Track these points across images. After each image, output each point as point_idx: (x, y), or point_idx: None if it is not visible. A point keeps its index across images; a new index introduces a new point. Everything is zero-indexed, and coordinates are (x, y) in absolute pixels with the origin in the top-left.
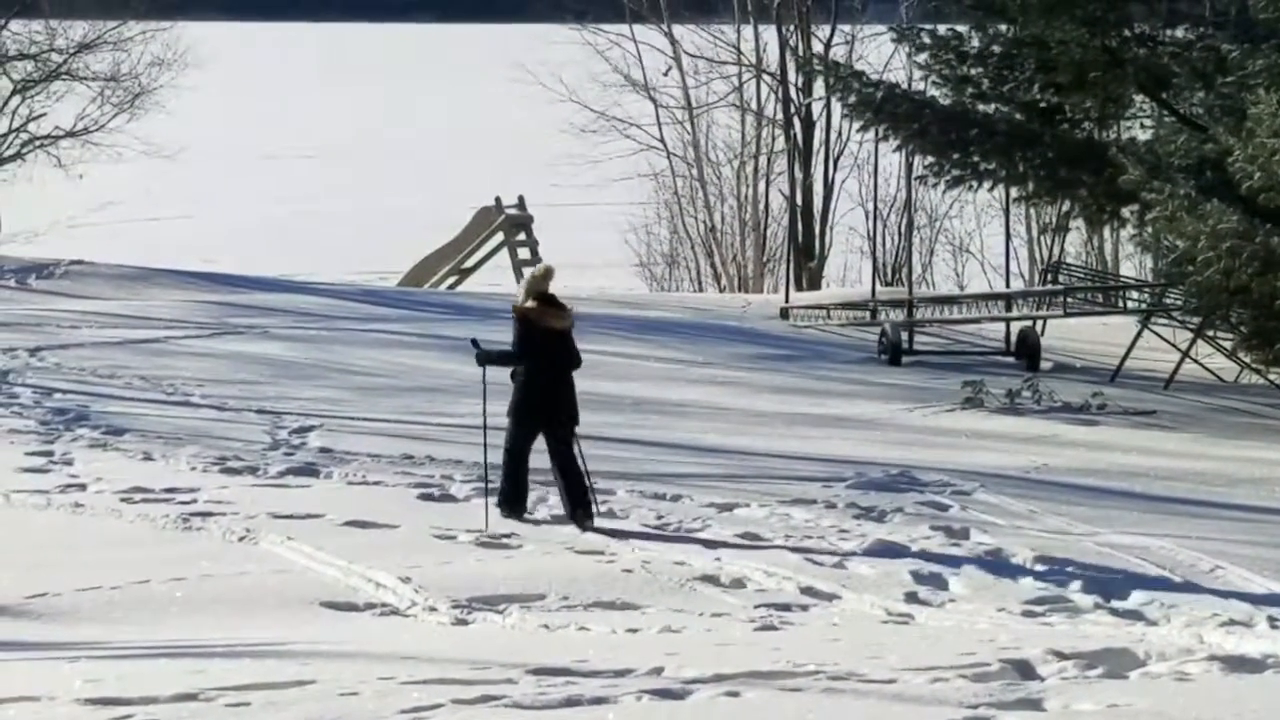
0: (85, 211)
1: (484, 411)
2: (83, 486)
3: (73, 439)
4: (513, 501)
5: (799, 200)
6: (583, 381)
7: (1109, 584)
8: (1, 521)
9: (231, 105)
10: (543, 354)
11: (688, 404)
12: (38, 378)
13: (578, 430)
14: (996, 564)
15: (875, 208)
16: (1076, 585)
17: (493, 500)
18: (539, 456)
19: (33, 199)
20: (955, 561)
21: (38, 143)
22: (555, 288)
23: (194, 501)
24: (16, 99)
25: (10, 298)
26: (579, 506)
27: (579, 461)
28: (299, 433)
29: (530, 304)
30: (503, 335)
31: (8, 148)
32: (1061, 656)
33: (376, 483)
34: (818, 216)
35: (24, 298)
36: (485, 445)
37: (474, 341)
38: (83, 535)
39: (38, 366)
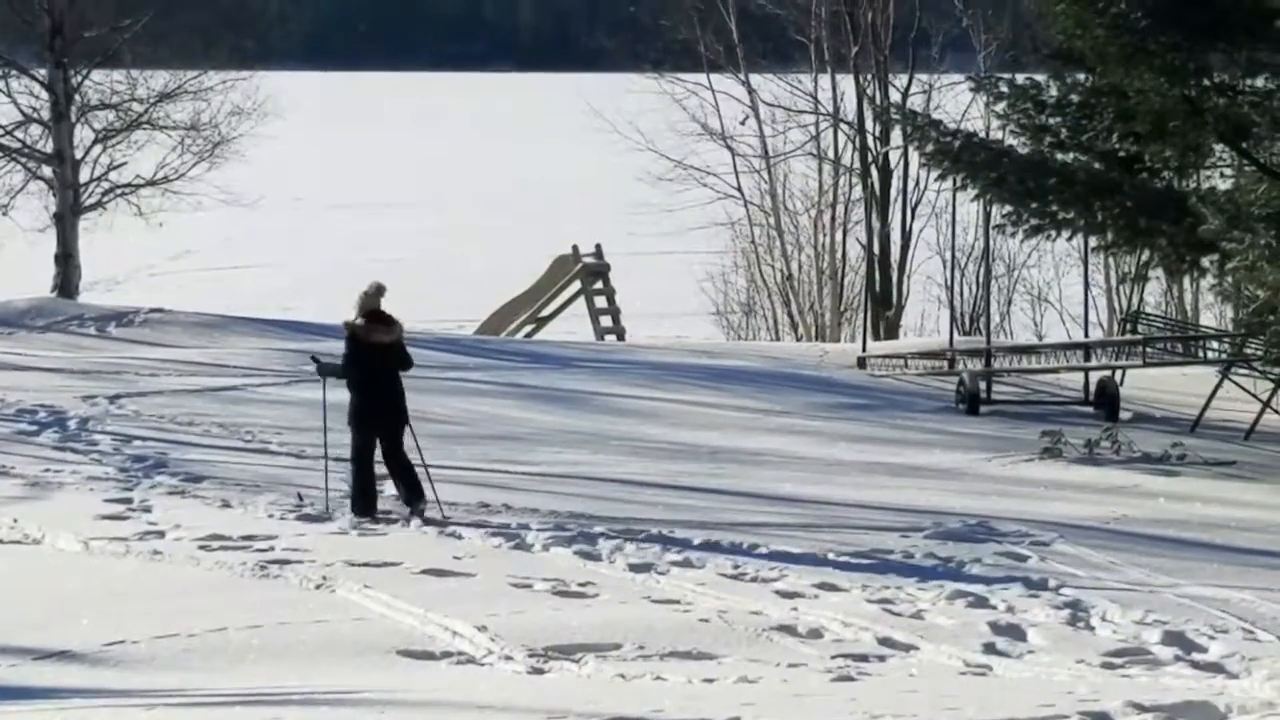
0: (164, 260)
1: (324, 414)
2: (161, 534)
3: (151, 486)
4: (362, 503)
5: (876, 249)
6: (660, 429)
7: (1189, 636)
8: (80, 568)
9: (311, 154)
10: (372, 366)
11: (765, 453)
12: (117, 425)
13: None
14: (1075, 615)
15: (953, 256)
16: (1156, 637)
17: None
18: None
19: (113, 247)
20: (1034, 612)
21: (118, 191)
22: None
23: (271, 549)
24: (98, 148)
25: (90, 345)
26: (415, 497)
27: (406, 458)
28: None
29: (359, 321)
30: (580, 384)
31: (89, 196)
32: (1141, 709)
33: (453, 531)
34: (895, 265)
35: (104, 345)
36: (325, 430)
37: (314, 357)
38: (160, 582)
39: (117, 414)
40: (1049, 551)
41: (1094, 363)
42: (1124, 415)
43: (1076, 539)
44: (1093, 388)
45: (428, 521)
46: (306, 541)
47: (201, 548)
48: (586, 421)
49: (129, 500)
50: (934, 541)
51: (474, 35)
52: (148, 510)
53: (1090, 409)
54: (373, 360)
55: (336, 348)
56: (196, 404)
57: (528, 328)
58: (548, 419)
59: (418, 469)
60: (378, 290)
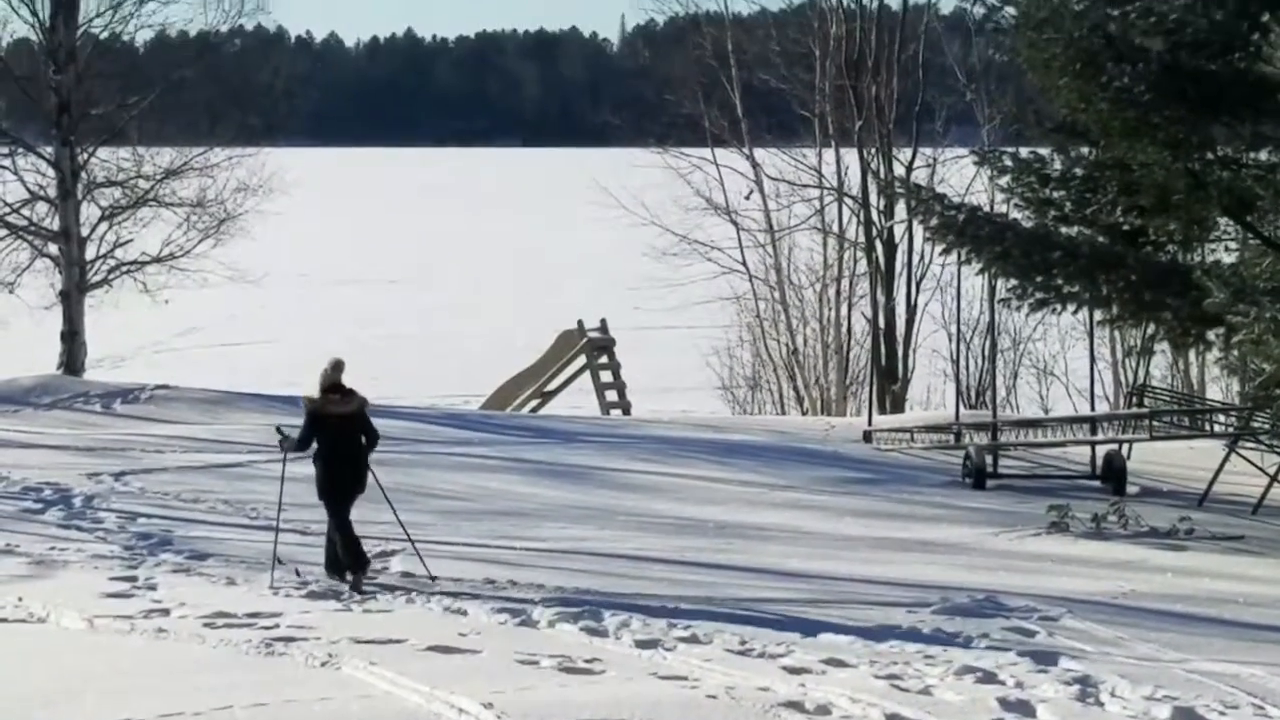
0: (170, 336)
1: (281, 481)
2: (166, 611)
3: (156, 564)
4: (354, 560)
5: (882, 323)
6: (666, 504)
7: (1199, 712)
8: (85, 646)
9: (316, 230)
10: (332, 438)
11: (771, 528)
12: (122, 502)
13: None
14: (1085, 691)
15: (958, 330)
16: (1166, 713)
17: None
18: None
19: (119, 324)
20: (1043, 688)
21: (124, 269)
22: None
23: (276, 626)
24: (104, 225)
25: (96, 422)
26: (358, 565)
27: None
28: (381, 557)
29: (315, 396)
30: (586, 459)
31: (95, 274)
32: None
33: (459, 608)
34: (901, 339)
35: (109, 422)
36: (280, 503)
37: (279, 429)
38: (166, 660)
39: (122, 491)
40: (1057, 627)
41: (1100, 436)
42: (1131, 489)
43: (1085, 614)
44: (1099, 462)
45: (362, 592)
46: (312, 619)
47: (206, 625)
48: (592, 496)
49: (134, 578)
50: (942, 617)
51: (479, 111)
52: (153, 588)
53: (1097, 483)
54: (333, 433)
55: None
56: (202, 480)
57: (533, 403)
58: (553, 494)
59: (403, 542)
60: (335, 366)
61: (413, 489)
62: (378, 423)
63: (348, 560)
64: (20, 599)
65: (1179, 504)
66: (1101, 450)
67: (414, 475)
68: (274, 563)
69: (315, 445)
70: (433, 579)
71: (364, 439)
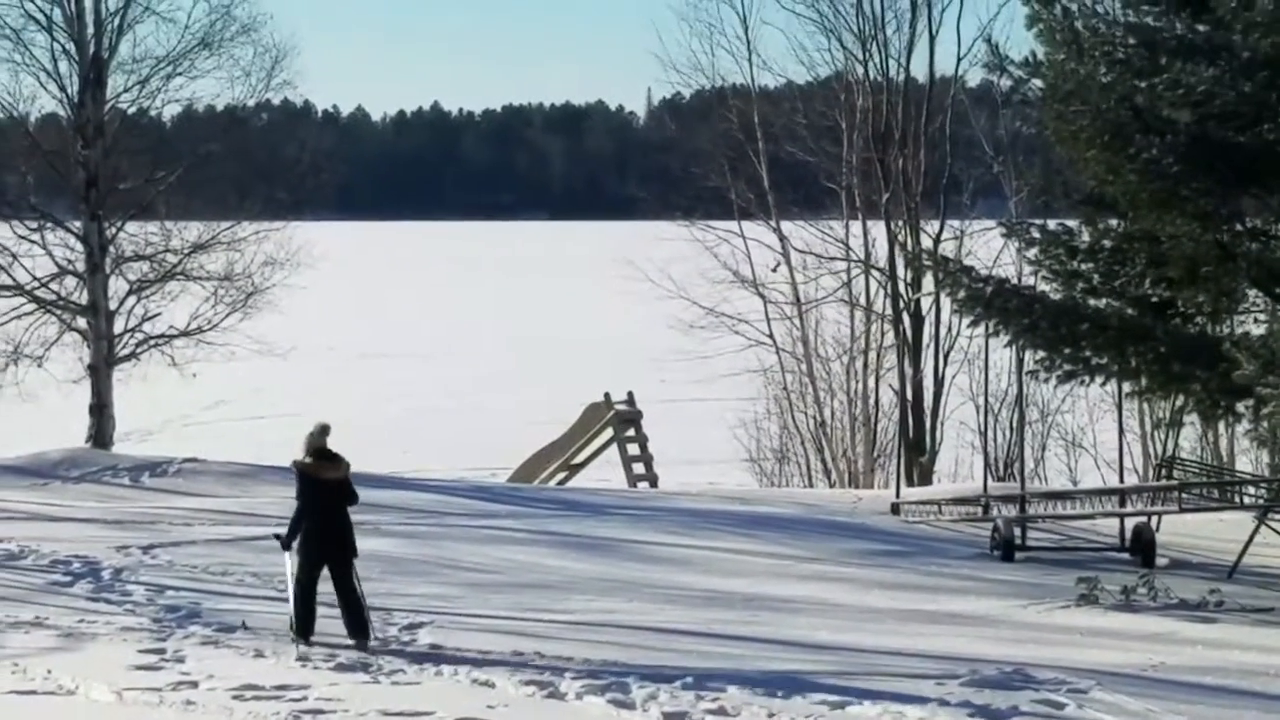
0: (198, 410)
1: (289, 586)
2: (194, 684)
3: (185, 636)
4: (302, 626)
5: (909, 395)
6: (693, 576)
7: None
8: (114, 719)
9: (343, 303)
10: (321, 501)
11: (798, 600)
12: (151, 575)
13: (356, 562)
14: None
15: (986, 402)
16: None
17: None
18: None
19: (147, 398)
20: None
21: (152, 342)
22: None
23: (305, 699)
24: (132, 299)
25: (124, 496)
26: (359, 630)
27: (358, 590)
28: (409, 629)
29: (308, 460)
30: (613, 532)
31: (123, 347)
32: None
33: (486, 680)
34: (928, 411)
35: (138, 495)
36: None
37: (276, 535)
38: None
39: (150, 564)
40: (1086, 699)
41: (1129, 509)
42: (1160, 561)
43: (1114, 686)
44: (1128, 534)
45: (369, 651)
46: (340, 691)
47: (235, 698)
48: (620, 569)
49: (162, 650)
50: (970, 689)
51: (506, 185)
52: (181, 660)
53: (1126, 555)
54: (321, 496)
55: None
56: (230, 553)
57: (560, 475)
58: (581, 566)
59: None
60: (323, 430)
61: (440, 561)
62: (408, 495)
63: (349, 628)
64: (49, 671)
65: (1209, 576)
66: (1130, 522)
67: (442, 548)
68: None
69: (305, 508)
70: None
71: (346, 504)
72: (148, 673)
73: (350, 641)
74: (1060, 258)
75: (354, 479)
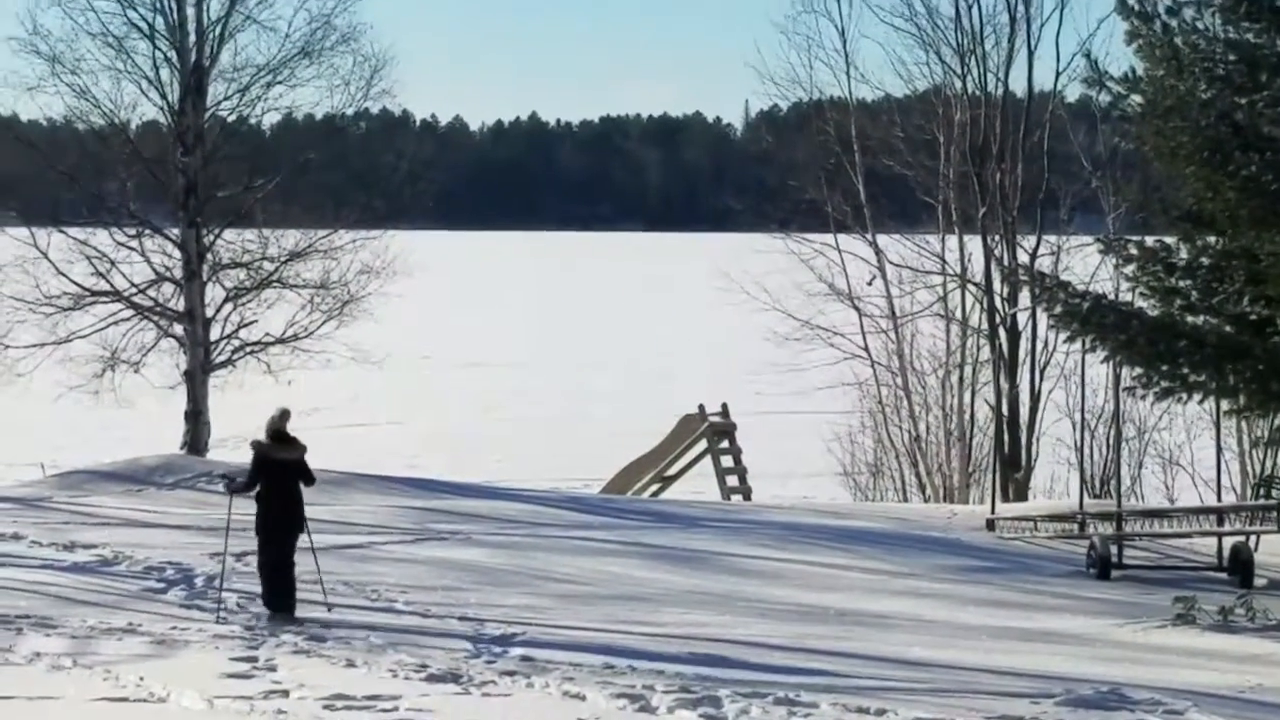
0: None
1: (226, 530)
2: (285, 693)
3: (276, 645)
4: (275, 602)
5: (1005, 410)
6: (786, 590)
7: None
8: None
9: (439, 312)
10: (274, 481)
11: (892, 616)
12: (243, 583)
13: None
14: None
15: (1082, 418)
16: None
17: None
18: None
19: (243, 404)
20: None
21: (248, 349)
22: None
23: (396, 709)
24: (229, 306)
25: (218, 503)
26: (282, 605)
27: (291, 568)
28: (501, 640)
29: (265, 442)
30: (706, 544)
31: (219, 354)
32: None
33: (578, 693)
34: (1024, 427)
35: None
36: (226, 542)
37: (223, 476)
38: None
39: (243, 571)
40: None
41: (1227, 528)
42: (1258, 581)
43: (1211, 708)
44: (1226, 553)
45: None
46: (430, 702)
47: (326, 707)
48: (712, 582)
49: (254, 659)
50: (1065, 708)
51: (603, 195)
52: (273, 669)
53: (1224, 575)
54: (275, 476)
55: (463, 505)
56: (322, 562)
57: (654, 487)
58: (673, 579)
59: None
60: (283, 415)
61: (532, 572)
62: (501, 505)
63: (270, 596)
64: (141, 678)
65: None
66: (1228, 542)
67: (534, 559)
68: (219, 593)
69: (259, 486)
70: (329, 608)
71: (302, 484)
72: (239, 681)
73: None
74: (1158, 274)
75: (452, 488)
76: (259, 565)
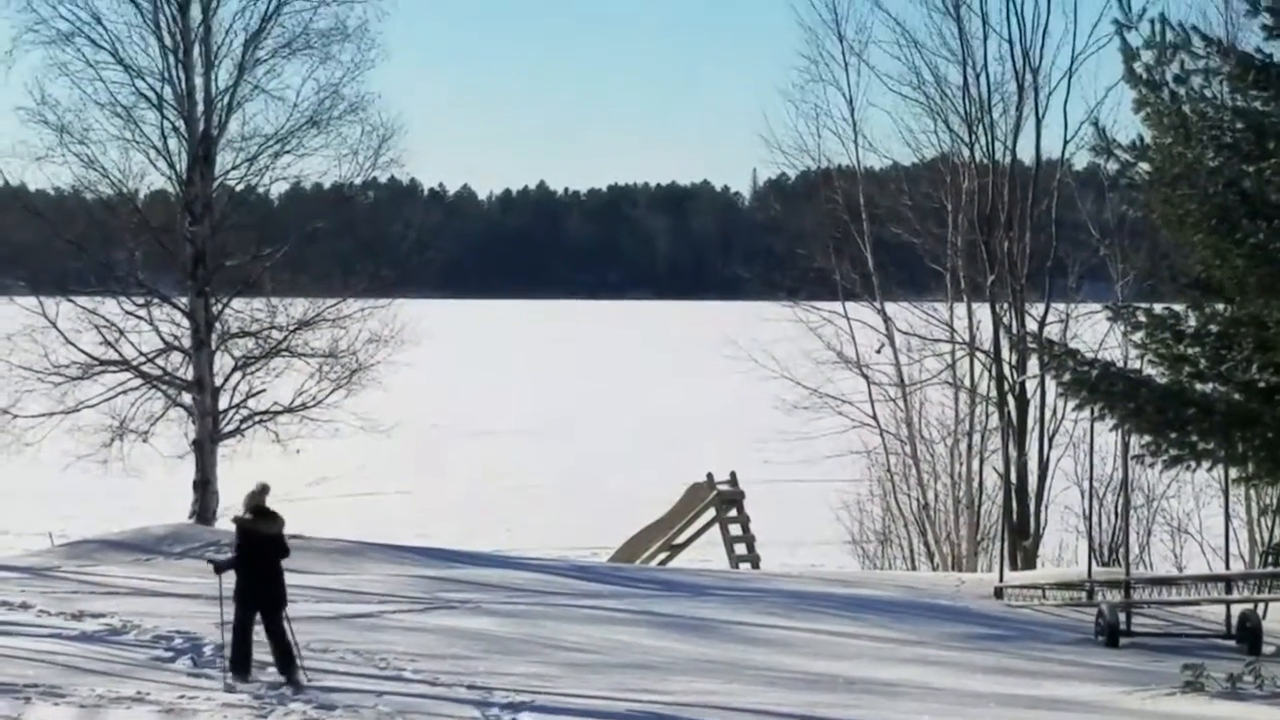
0: (302, 486)
1: (220, 605)
2: None
3: (285, 714)
4: (239, 666)
5: (1013, 478)
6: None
7: None
8: None
9: (447, 381)
10: (256, 554)
11: (900, 684)
12: (257, 652)
13: (287, 611)
14: None
15: (1091, 486)
16: None
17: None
18: None
19: (251, 473)
20: None
21: (257, 418)
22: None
23: None
24: (237, 375)
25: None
26: (287, 667)
27: (288, 634)
28: (510, 709)
29: (247, 516)
30: (714, 613)
31: (228, 423)
32: None
33: None
34: (1032, 495)
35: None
36: (222, 625)
37: (210, 559)
38: None
39: (253, 641)
40: None
41: (1236, 595)
42: (1267, 649)
43: None
44: (1235, 621)
45: (297, 686)
46: None
47: None
48: (720, 650)
49: None
50: None
51: (611, 264)
52: None
53: (1232, 642)
54: (255, 548)
55: (473, 574)
56: (332, 630)
57: (662, 555)
58: (681, 647)
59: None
60: (262, 489)
61: (541, 640)
62: (510, 573)
63: (280, 668)
64: None
65: None
66: (1237, 609)
67: (542, 627)
68: (226, 661)
69: (241, 559)
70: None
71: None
72: None
73: (283, 679)
74: (1167, 341)
75: (461, 556)
76: (233, 627)
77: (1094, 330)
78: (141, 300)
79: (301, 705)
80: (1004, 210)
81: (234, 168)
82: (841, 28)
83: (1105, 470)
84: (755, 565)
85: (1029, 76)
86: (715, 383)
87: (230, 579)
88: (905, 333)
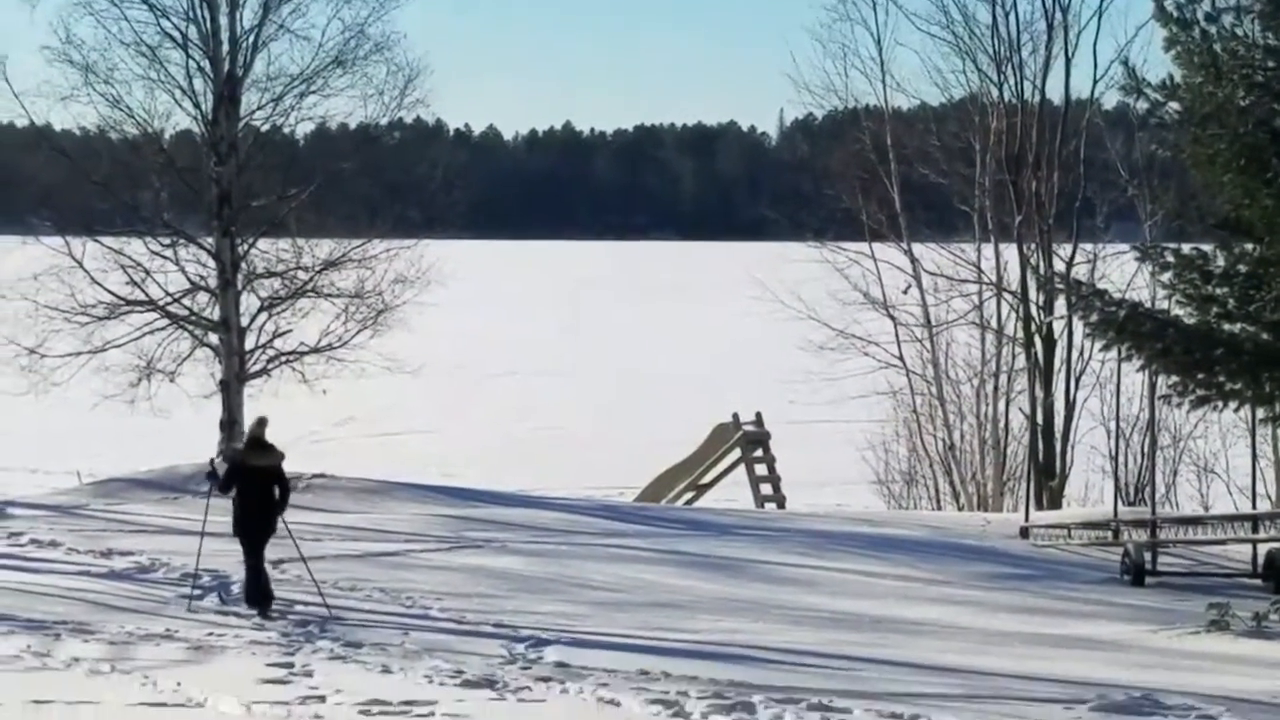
0: (328, 426)
1: (204, 523)
2: (322, 698)
3: (313, 651)
4: (257, 599)
5: (1040, 419)
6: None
7: None
8: None
9: (473, 322)
10: (248, 485)
11: (926, 622)
12: (279, 590)
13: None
14: None
15: (1117, 426)
16: None
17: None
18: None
19: (277, 413)
20: None
21: (283, 358)
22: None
23: (431, 715)
24: (263, 316)
25: None
26: (262, 599)
27: (265, 567)
28: (536, 646)
29: (241, 448)
30: (740, 552)
31: (254, 363)
32: None
33: (612, 699)
34: (1059, 435)
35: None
36: (201, 541)
37: (211, 462)
38: None
39: (279, 579)
40: None
41: (1262, 535)
42: None
43: (1245, 713)
44: (1260, 560)
45: (268, 618)
46: (466, 707)
47: (362, 713)
48: (746, 589)
49: (290, 664)
50: (1098, 714)
51: (637, 204)
52: (309, 674)
53: (1258, 581)
54: (250, 480)
55: (498, 514)
56: (358, 569)
57: (688, 495)
58: (707, 587)
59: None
60: (260, 423)
61: (567, 580)
62: (536, 513)
63: (254, 595)
64: (179, 684)
65: None
66: (1263, 548)
67: (569, 566)
68: (193, 582)
69: (234, 490)
70: (328, 609)
71: (278, 490)
72: (276, 686)
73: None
74: (1195, 282)
75: (487, 496)
76: (247, 566)
77: (1122, 270)
78: (167, 240)
79: (329, 643)
80: (1032, 150)
81: (259, 108)
82: None
83: (1132, 410)
84: (781, 505)
85: (1058, 15)
86: (741, 324)
87: (226, 512)
88: (932, 273)
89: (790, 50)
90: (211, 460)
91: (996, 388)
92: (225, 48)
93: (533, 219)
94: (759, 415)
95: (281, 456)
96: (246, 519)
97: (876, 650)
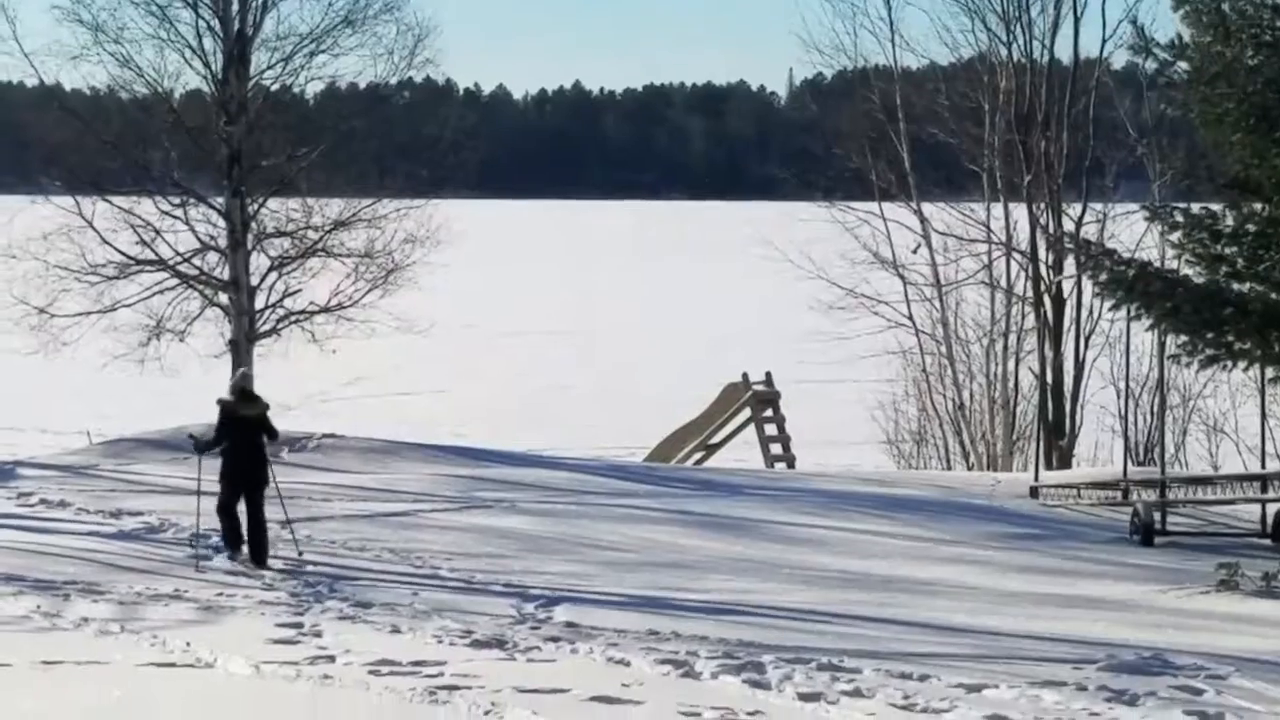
0: (337, 386)
1: (199, 482)
2: (331, 658)
3: (322, 611)
4: (231, 541)
5: (1049, 378)
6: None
7: None
8: (251, 692)
9: (483, 281)
10: (236, 435)
11: (936, 582)
12: (288, 549)
13: (269, 490)
14: None
15: (1126, 386)
16: None
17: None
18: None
19: (286, 374)
20: None
21: (293, 318)
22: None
23: (441, 675)
24: (273, 275)
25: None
26: (259, 553)
27: (263, 519)
28: (545, 606)
29: (229, 398)
30: (750, 512)
31: (264, 323)
32: None
33: (622, 659)
34: (1068, 395)
35: (276, 471)
36: (199, 501)
37: (190, 435)
38: (331, 707)
39: (288, 539)
40: (1226, 685)
41: (1271, 494)
42: None
43: (1254, 673)
44: (1270, 519)
45: (268, 569)
46: (475, 667)
47: (371, 673)
48: (756, 549)
49: (300, 625)
50: (1107, 674)
51: (646, 164)
52: (318, 634)
53: (1267, 541)
54: (238, 430)
55: (508, 474)
56: (367, 529)
57: (697, 455)
58: (717, 546)
59: (284, 526)
60: (244, 376)
61: (576, 539)
62: (545, 473)
63: (251, 549)
64: (188, 644)
65: None
66: (1272, 508)
67: (578, 526)
68: (199, 543)
69: (225, 442)
70: (300, 555)
71: (266, 438)
72: (285, 646)
73: (270, 569)
74: (1204, 241)
75: (496, 456)
76: (217, 508)
77: (1131, 230)
78: (177, 200)
79: (338, 603)
80: (1041, 110)
81: (269, 67)
82: None
83: (1141, 370)
84: (791, 465)
85: None
86: (751, 283)
87: (213, 469)
88: (942, 233)
89: (799, 10)
90: (190, 436)
91: (1006, 347)
92: (235, 6)
93: (542, 179)
94: (769, 375)
95: (267, 406)
96: (237, 468)
97: (886, 610)
